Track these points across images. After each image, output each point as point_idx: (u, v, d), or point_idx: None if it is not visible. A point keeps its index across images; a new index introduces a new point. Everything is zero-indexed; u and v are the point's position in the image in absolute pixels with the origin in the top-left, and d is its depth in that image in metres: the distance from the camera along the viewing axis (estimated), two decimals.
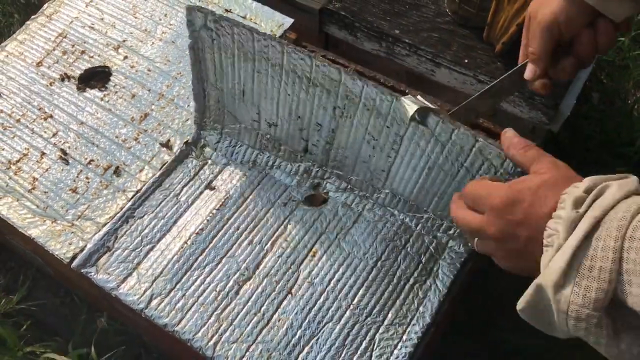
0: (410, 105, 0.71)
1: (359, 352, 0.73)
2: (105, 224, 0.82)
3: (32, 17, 1.05)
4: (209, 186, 0.86)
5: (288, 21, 0.99)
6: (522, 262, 0.54)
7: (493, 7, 0.91)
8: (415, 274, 0.79)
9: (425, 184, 0.78)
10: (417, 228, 0.82)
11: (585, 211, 0.46)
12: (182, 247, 0.80)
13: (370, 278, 0.78)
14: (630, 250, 0.42)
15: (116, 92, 0.95)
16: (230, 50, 0.80)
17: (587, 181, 0.49)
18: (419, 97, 0.74)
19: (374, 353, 0.73)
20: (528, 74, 0.72)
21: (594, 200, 0.47)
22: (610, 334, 0.44)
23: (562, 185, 0.52)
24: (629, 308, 0.43)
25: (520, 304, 0.51)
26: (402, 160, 0.78)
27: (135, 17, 1.02)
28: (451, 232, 0.81)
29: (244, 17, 1.00)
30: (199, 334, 0.74)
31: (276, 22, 0.99)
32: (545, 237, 0.49)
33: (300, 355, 0.73)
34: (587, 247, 0.45)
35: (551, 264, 0.47)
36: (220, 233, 0.82)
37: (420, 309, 0.76)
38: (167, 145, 0.89)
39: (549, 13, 0.69)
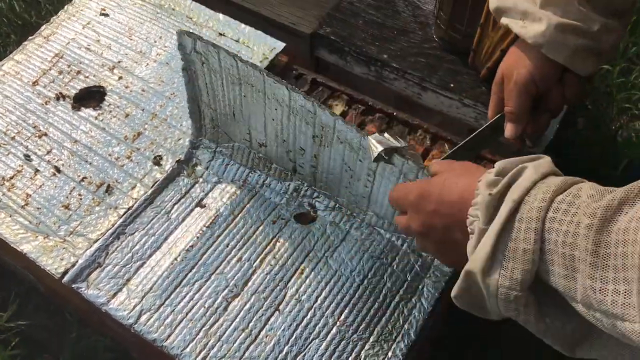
0: (375, 145, 0.72)
1: None
2: (96, 240, 0.83)
3: (30, 37, 1.07)
4: (200, 204, 0.87)
5: (280, 45, 1.02)
6: (453, 253, 0.55)
7: (478, 34, 0.94)
8: (401, 292, 0.80)
9: None
10: (403, 247, 0.83)
11: (501, 193, 0.47)
12: (172, 264, 0.82)
13: (357, 295, 0.80)
14: (551, 231, 0.44)
15: (110, 111, 0.97)
16: (219, 74, 0.82)
17: (499, 164, 0.50)
18: (385, 135, 0.74)
19: None
20: (509, 133, 0.76)
21: (510, 183, 0.47)
22: (536, 312, 0.46)
23: (468, 174, 0.55)
24: (550, 286, 0.45)
25: (454, 292, 0.53)
26: (379, 190, 0.80)
27: (131, 39, 1.04)
28: None
29: (237, 41, 1.02)
30: (187, 349, 0.75)
31: (268, 45, 1.02)
32: (468, 225, 0.51)
33: None
34: (510, 229, 0.46)
35: (477, 250, 0.48)
36: (210, 250, 0.83)
37: (406, 326, 0.77)
38: (159, 163, 0.91)
39: (525, 73, 0.72)
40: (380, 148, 0.72)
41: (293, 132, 0.82)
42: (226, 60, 0.80)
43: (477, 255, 0.48)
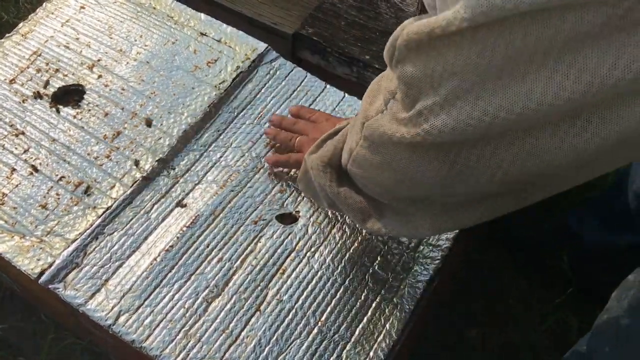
0: None
1: None
2: (74, 240, 0.82)
3: (7, 35, 1.05)
4: (180, 204, 0.86)
5: (262, 46, 1.01)
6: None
7: None
8: (383, 292, 0.80)
9: None
10: (385, 247, 0.83)
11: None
12: (151, 264, 0.81)
13: (338, 296, 0.80)
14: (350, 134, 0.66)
15: (89, 110, 0.95)
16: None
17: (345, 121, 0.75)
18: None
19: None
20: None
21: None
22: (333, 180, 0.70)
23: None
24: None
25: (298, 181, 0.82)
26: None
27: (111, 38, 1.03)
28: (418, 252, 0.83)
29: (219, 41, 1.02)
30: (167, 351, 0.74)
31: (250, 46, 1.01)
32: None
33: None
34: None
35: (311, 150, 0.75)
36: (190, 250, 0.82)
37: (387, 326, 0.77)
38: (138, 163, 0.89)
39: None
40: None
41: None
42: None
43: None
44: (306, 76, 1.00)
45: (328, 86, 0.99)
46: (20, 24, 1.06)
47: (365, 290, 0.80)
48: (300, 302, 0.79)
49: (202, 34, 1.03)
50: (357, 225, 0.81)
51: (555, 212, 1.13)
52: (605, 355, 0.74)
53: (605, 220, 1.06)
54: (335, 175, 0.70)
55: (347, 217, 0.85)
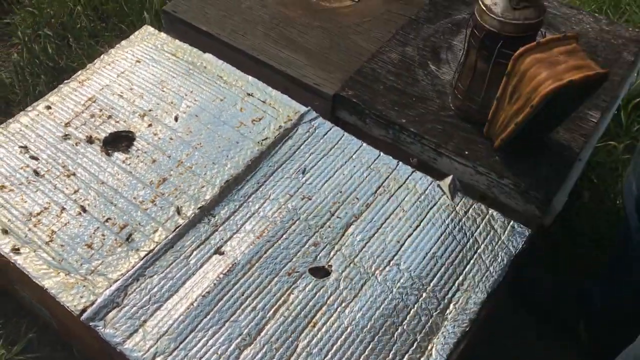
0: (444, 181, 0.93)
1: None
2: (116, 280, 0.86)
3: (65, 81, 1.13)
4: (218, 251, 0.90)
5: (303, 109, 1.07)
6: None
7: (494, 106, 0.99)
8: (410, 352, 0.82)
9: (437, 252, 0.90)
10: (415, 307, 0.86)
11: None
12: (188, 308, 0.84)
13: (366, 352, 0.81)
14: None
15: (138, 156, 1.01)
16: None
17: None
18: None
19: None
20: None
21: None
22: None
23: None
24: None
25: None
26: (422, 230, 0.92)
27: (163, 91, 1.09)
28: (447, 314, 0.85)
29: (264, 102, 1.08)
30: None
31: (293, 108, 1.07)
32: None
33: None
34: None
35: None
36: (226, 297, 0.85)
37: None
38: (181, 209, 0.94)
39: None
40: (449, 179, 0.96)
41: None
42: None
43: None
44: (343, 135, 1.05)
45: (364, 144, 1.03)
46: (79, 72, 1.14)
47: (394, 349, 0.82)
48: (329, 356, 0.81)
49: (248, 94, 1.09)
50: None
51: (575, 280, 1.15)
52: None
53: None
54: None
55: (380, 275, 0.87)
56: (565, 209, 1.02)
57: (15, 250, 0.89)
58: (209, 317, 0.83)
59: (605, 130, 1.53)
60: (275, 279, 0.87)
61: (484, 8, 0.95)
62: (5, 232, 0.90)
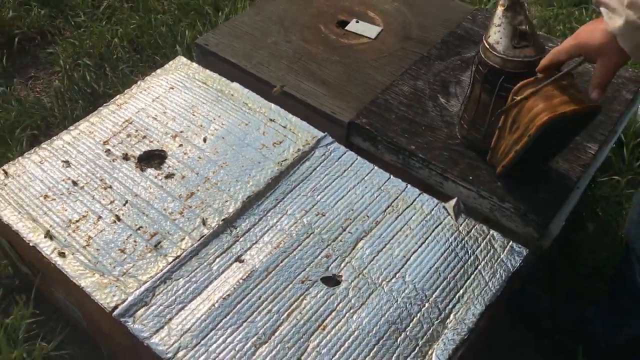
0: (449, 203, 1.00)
1: None
2: (145, 282, 0.94)
3: (104, 104, 1.24)
4: (239, 259, 0.98)
5: (320, 134, 1.16)
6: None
7: (496, 135, 1.07)
8: (412, 355, 0.89)
9: (440, 266, 0.98)
10: (418, 315, 0.93)
11: None
12: (209, 309, 0.92)
13: (371, 354, 0.88)
14: None
15: (169, 172, 1.11)
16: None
17: None
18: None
19: None
20: (597, 96, 0.91)
21: None
22: None
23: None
24: None
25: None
26: (427, 247, 0.99)
27: (193, 115, 1.20)
28: (447, 322, 0.92)
29: (285, 127, 1.18)
30: None
31: (311, 134, 1.17)
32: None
33: None
34: None
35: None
36: (244, 300, 0.93)
37: None
38: (206, 221, 1.03)
39: (616, 59, 0.88)
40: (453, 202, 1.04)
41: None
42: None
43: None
44: (356, 159, 1.14)
45: (375, 168, 1.12)
46: (118, 96, 1.25)
47: (397, 352, 0.89)
48: (337, 356, 0.88)
49: (271, 119, 1.19)
50: None
51: (573, 301, 1.20)
52: None
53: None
54: None
55: (387, 285, 0.95)
56: (567, 239, 1.08)
57: (57, 253, 0.98)
58: (228, 317, 0.91)
59: (609, 165, 1.60)
60: (290, 285, 0.95)
61: (488, 46, 1.05)
62: (51, 236, 1.00)
